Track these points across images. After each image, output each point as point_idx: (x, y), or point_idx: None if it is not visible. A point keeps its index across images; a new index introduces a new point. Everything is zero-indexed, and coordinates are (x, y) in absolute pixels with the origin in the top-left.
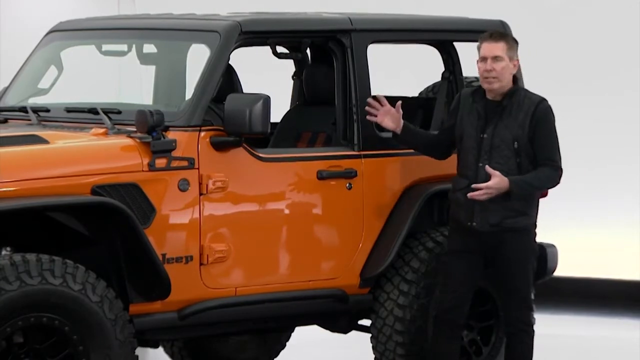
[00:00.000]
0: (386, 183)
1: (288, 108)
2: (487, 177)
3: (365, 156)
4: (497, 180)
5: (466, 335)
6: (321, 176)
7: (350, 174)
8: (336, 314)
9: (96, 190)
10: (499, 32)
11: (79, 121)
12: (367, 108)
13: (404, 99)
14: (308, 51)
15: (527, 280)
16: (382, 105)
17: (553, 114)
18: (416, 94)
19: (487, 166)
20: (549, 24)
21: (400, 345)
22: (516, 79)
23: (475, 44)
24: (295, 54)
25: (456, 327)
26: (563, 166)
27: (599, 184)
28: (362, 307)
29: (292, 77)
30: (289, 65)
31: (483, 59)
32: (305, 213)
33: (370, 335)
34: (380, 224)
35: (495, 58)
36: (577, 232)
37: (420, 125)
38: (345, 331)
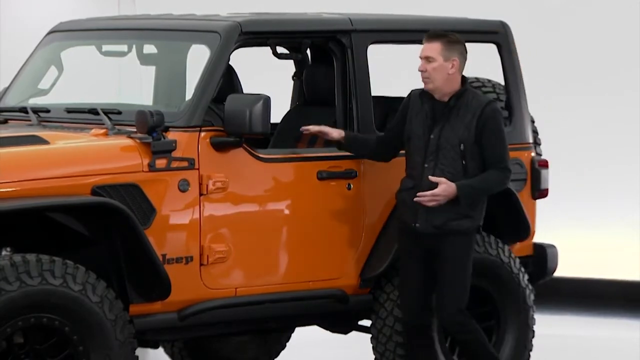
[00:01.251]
0: (386, 183)
1: (288, 108)
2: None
3: None
4: (444, 187)
5: None
6: (321, 177)
7: (350, 175)
8: (336, 315)
9: (96, 190)
10: (435, 32)
11: (79, 122)
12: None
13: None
14: (308, 51)
15: (461, 282)
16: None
17: (501, 115)
18: None
19: (430, 176)
20: (549, 24)
21: (400, 345)
22: (465, 79)
23: (475, 45)
24: (295, 54)
25: (427, 329)
26: (564, 165)
27: (599, 184)
28: (362, 308)
29: (292, 77)
30: (289, 66)
31: (420, 59)
32: (306, 213)
33: (370, 335)
34: (380, 224)
35: (427, 58)
36: (577, 232)
37: None
38: (345, 331)
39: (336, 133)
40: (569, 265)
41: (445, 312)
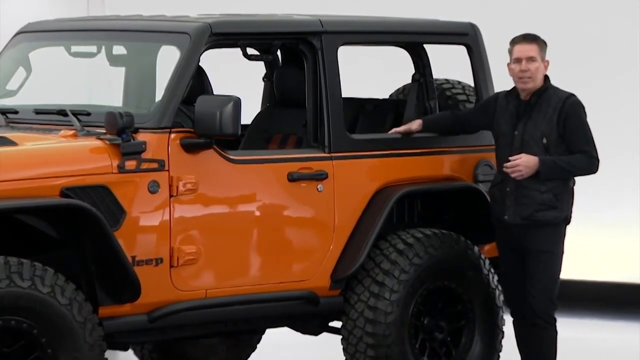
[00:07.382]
0: (357, 185)
1: (259, 110)
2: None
3: (336, 158)
4: (525, 159)
5: (436, 336)
6: (292, 178)
7: (320, 176)
8: (307, 316)
9: (65, 192)
10: (531, 34)
11: (48, 123)
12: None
13: (375, 101)
14: (279, 53)
15: (551, 273)
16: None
17: (583, 107)
18: (387, 96)
19: (510, 158)
20: (549, 23)
21: (370, 347)
22: (547, 77)
23: (445, 47)
24: (265, 55)
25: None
26: None
27: (598, 184)
28: (332, 309)
29: (263, 78)
30: (260, 67)
31: (517, 60)
32: (276, 215)
33: (341, 337)
34: (351, 225)
35: (530, 59)
36: (577, 233)
37: (389, 127)
38: (316, 333)
39: (415, 125)
40: (568, 267)
41: (536, 301)
